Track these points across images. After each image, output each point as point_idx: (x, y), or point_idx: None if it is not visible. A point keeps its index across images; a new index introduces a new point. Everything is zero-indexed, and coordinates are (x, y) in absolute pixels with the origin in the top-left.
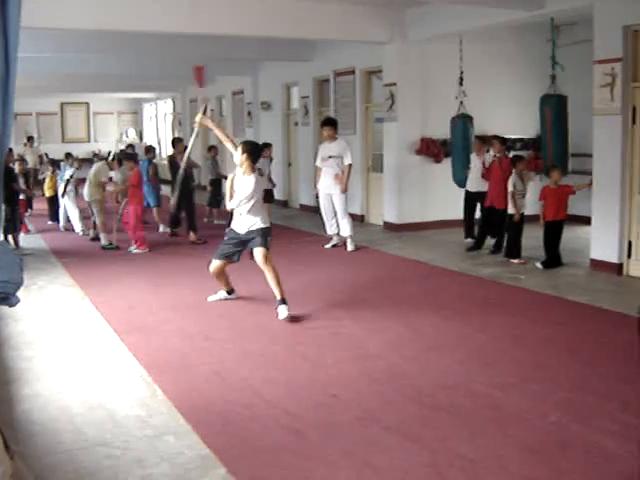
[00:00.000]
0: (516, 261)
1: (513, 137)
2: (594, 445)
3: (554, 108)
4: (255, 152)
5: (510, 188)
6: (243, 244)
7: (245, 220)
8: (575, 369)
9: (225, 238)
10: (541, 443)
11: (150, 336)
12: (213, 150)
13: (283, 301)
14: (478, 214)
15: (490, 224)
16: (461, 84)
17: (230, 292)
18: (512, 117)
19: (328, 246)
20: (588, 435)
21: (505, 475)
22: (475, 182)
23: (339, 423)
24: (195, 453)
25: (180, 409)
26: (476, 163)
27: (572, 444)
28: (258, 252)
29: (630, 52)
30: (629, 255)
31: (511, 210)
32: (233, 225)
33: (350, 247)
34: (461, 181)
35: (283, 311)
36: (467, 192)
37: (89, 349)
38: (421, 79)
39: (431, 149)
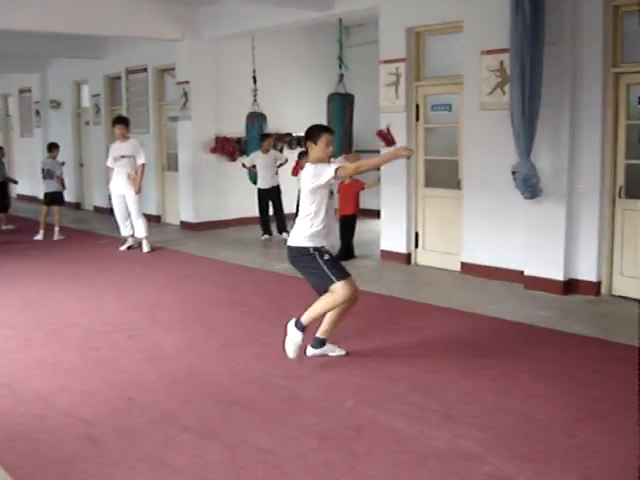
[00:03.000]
0: None
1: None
2: (387, 427)
3: (341, 106)
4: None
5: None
6: None
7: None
8: (367, 356)
9: (325, 258)
10: (337, 429)
11: None
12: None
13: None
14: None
15: None
16: (255, 82)
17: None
18: (305, 115)
19: (123, 248)
20: (381, 418)
21: (303, 463)
22: (266, 179)
23: (136, 426)
24: None
25: None
26: (265, 160)
27: (366, 428)
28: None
29: (413, 52)
30: (416, 245)
31: None
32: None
33: (146, 248)
34: (255, 178)
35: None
36: (259, 190)
37: None
38: (215, 77)
39: (226, 147)
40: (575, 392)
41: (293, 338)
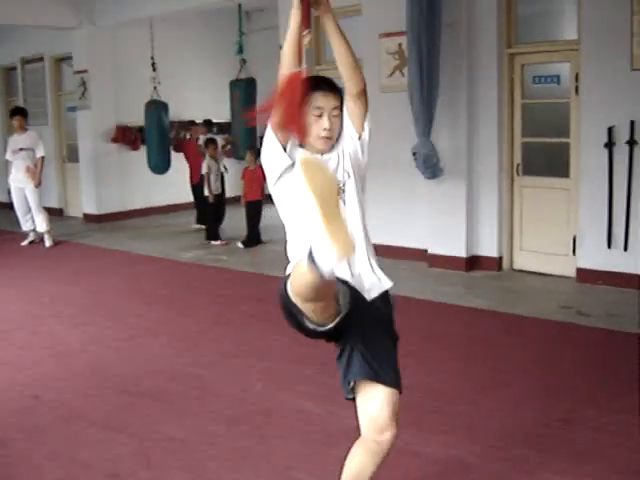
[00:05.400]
0: (217, 243)
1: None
2: (296, 409)
3: (243, 92)
4: None
5: (204, 170)
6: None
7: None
8: (275, 340)
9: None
10: (247, 414)
11: None
12: None
13: None
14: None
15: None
16: (154, 70)
17: None
18: (208, 101)
19: (25, 243)
20: (290, 400)
21: (214, 450)
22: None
23: (43, 425)
24: None
25: None
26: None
27: (276, 411)
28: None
29: (313, 37)
30: None
31: (206, 192)
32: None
33: (48, 242)
34: (156, 167)
35: None
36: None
37: None
38: (114, 65)
39: (127, 136)
40: (479, 364)
41: None
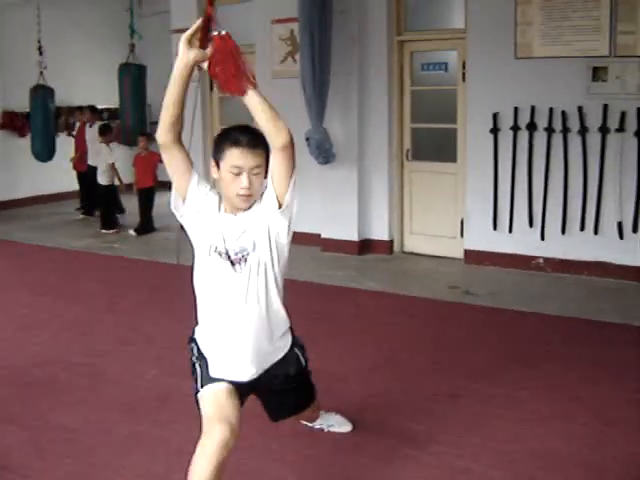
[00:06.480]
0: (110, 231)
1: (101, 107)
2: (190, 394)
3: (132, 77)
4: None
5: (111, 159)
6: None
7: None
8: (168, 326)
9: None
10: (141, 400)
11: None
12: None
13: None
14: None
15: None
16: (40, 53)
17: None
18: (98, 87)
19: None
20: (184, 386)
21: (108, 437)
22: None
23: None
24: None
25: None
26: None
27: (170, 397)
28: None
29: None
30: None
31: (104, 181)
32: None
33: None
34: (40, 154)
35: None
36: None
37: None
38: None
39: (15, 123)
40: (370, 344)
41: None
